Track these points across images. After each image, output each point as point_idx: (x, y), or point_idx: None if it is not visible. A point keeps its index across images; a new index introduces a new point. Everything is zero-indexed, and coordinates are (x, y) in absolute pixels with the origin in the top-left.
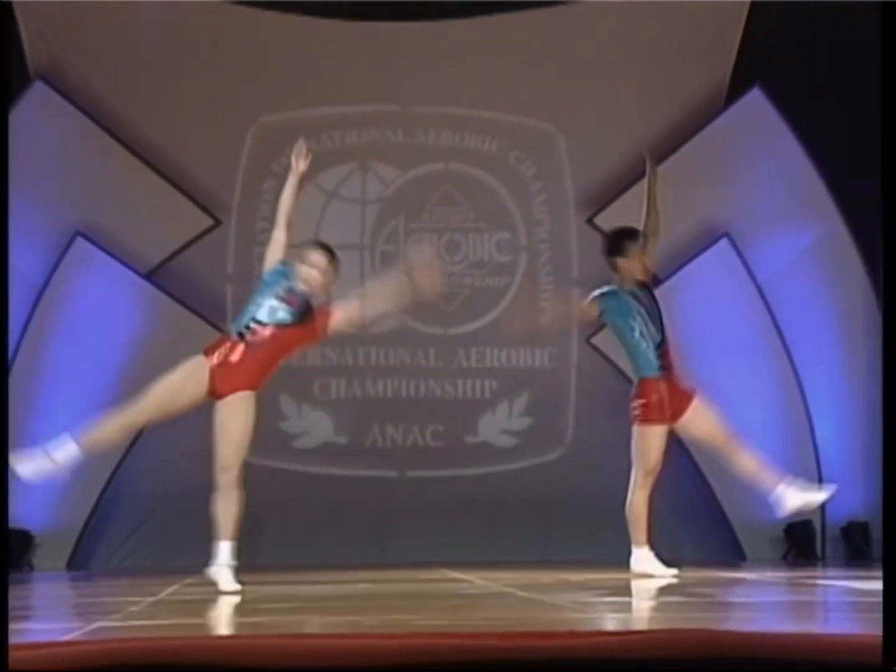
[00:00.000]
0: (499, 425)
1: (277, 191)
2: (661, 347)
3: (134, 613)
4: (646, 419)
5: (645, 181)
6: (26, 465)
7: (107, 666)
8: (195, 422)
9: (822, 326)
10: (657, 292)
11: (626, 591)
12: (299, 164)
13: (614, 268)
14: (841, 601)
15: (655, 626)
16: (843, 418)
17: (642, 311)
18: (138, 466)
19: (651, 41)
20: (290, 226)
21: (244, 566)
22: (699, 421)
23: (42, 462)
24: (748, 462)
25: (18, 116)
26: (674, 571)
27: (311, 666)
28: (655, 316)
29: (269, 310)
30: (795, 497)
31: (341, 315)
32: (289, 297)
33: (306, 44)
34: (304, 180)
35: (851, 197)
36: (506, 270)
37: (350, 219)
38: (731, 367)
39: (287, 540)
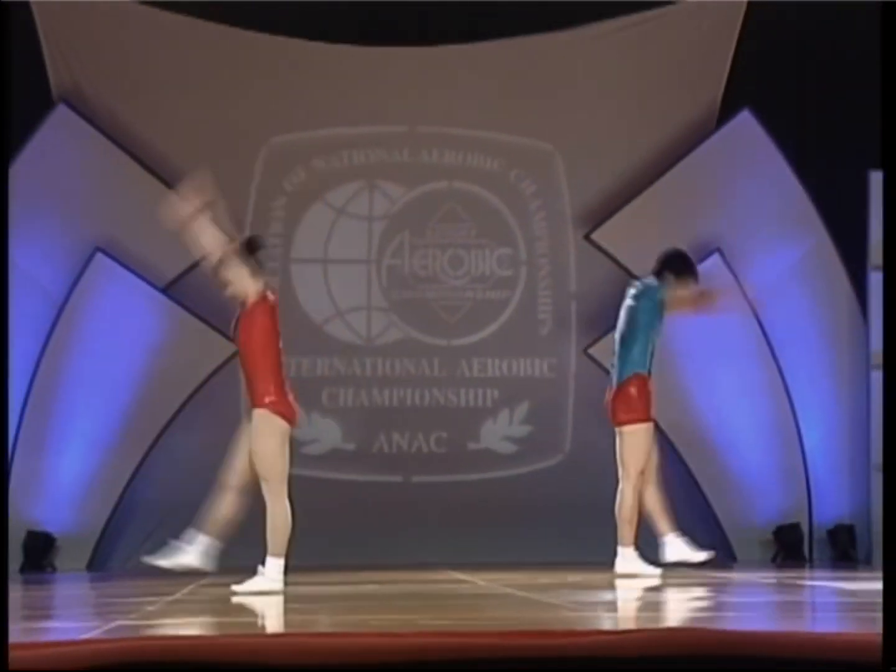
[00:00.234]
0: (500, 432)
1: (288, 209)
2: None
3: (151, 613)
4: (639, 418)
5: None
6: (165, 560)
7: (124, 663)
8: (209, 430)
9: (810, 337)
10: None
11: (623, 591)
12: (193, 203)
13: (669, 283)
14: (828, 601)
15: (651, 626)
16: (830, 426)
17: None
18: (155, 472)
19: (645, 66)
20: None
21: (254, 569)
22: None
23: (179, 555)
24: (656, 499)
25: (42, 138)
26: (659, 571)
27: (321, 663)
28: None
29: None
30: (679, 550)
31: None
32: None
33: (315, 67)
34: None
35: (837, 213)
36: (507, 284)
37: (357, 234)
38: (722, 376)
39: (296, 542)
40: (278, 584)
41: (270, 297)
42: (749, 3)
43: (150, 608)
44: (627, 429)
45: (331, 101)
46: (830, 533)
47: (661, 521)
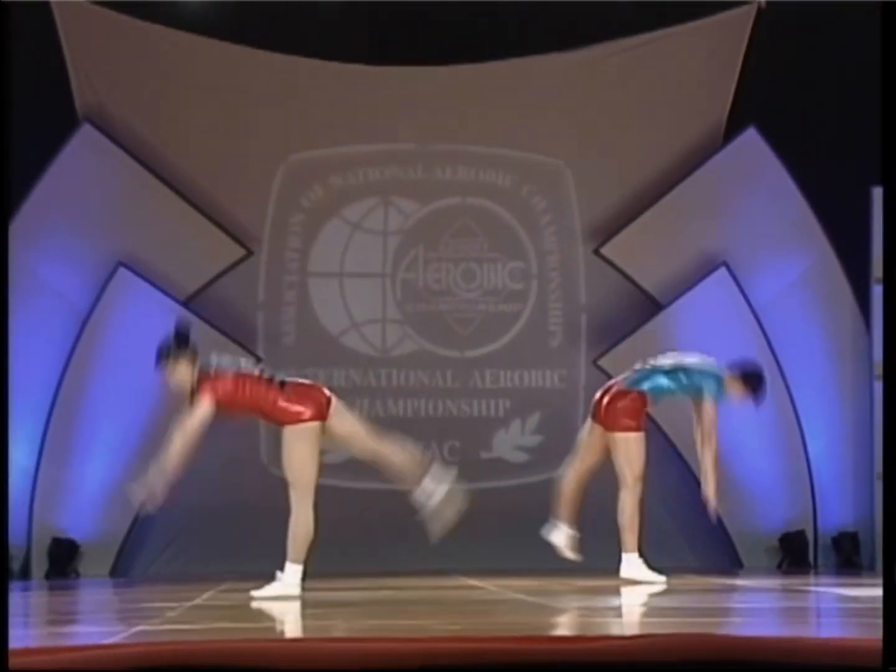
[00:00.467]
0: (512, 442)
1: (305, 224)
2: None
3: (172, 618)
4: (637, 427)
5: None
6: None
7: (146, 667)
8: (229, 439)
9: (815, 348)
10: (660, 317)
11: (631, 597)
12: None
13: (728, 377)
14: (833, 607)
15: (659, 631)
16: (834, 435)
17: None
18: (175, 481)
19: (653, 84)
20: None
21: (271, 575)
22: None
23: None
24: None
25: (67, 156)
26: (664, 578)
27: (336, 668)
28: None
29: None
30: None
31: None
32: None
33: (332, 87)
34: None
35: (840, 228)
36: (518, 297)
37: (373, 249)
38: None
39: (314, 549)
40: (295, 589)
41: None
42: (754, 24)
43: (170, 613)
44: (624, 436)
45: (347, 120)
46: (835, 540)
47: (567, 510)
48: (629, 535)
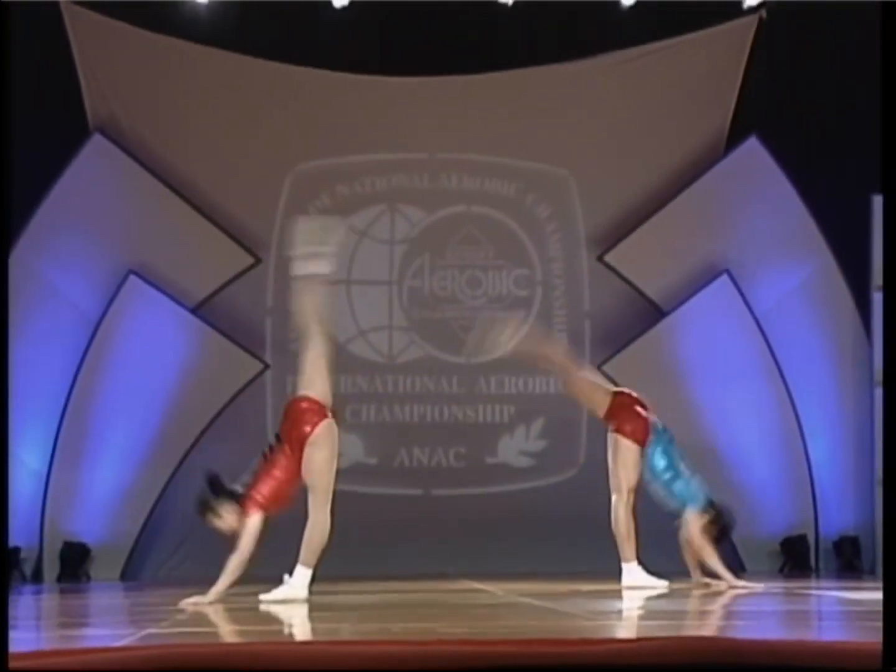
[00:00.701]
0: (517, 447)
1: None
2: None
3: (181, 621)
4: (640, 439)
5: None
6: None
7: (155, 670)
8: (238, 445)
9: (816, 355)
10: (663, 324)
11: (635, 601)
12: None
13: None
14: (834, 610)
15: (663, 634)
16: (836, 440)
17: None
18: (186, 485)
19: (656, 94)
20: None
21: (279, 579)
22: None
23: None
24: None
25: (79, 165)
26: (665, 583)
27: (343, 670)
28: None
29: None
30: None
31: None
32: None
33: (339, 97)
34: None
35: (841, 236)
36: (523, 304)
37: (380, 257)
38: (730, 392)
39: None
40: (303, 592)
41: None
42: (756, 34)
43: (180, 616)
44: (628, 444)
45: (354, 130)
46: (836, 544)
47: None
48: (627, 545)
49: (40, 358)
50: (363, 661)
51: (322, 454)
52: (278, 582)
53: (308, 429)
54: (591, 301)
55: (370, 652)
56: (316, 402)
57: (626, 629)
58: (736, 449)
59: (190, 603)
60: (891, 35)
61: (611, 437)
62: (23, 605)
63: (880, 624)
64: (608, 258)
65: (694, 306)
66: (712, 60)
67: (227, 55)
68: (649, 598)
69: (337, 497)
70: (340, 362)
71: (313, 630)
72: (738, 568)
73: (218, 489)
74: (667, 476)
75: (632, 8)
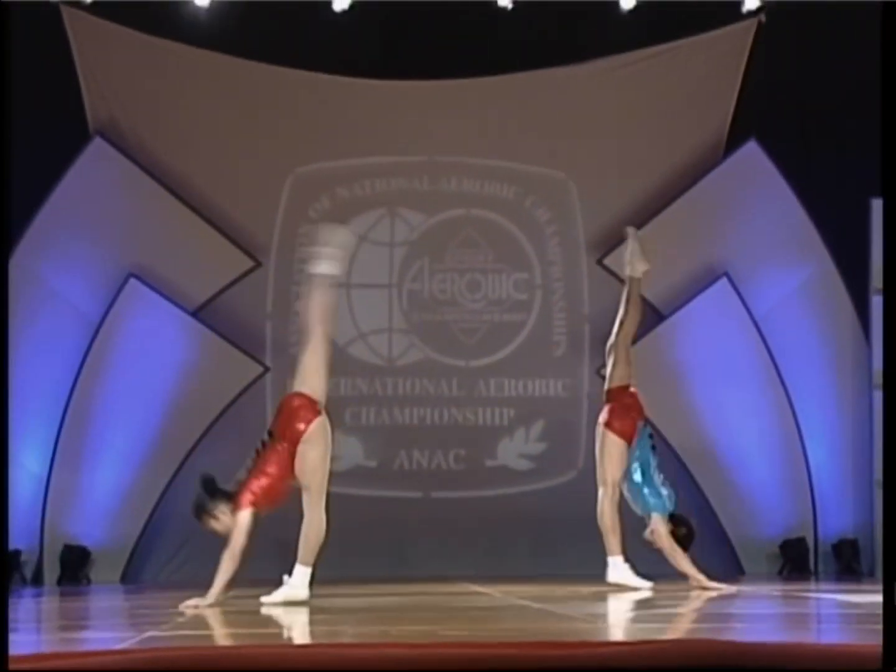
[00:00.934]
0: (516, 450)
1: (313, 235)
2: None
3: (182, 623)
4: (628, 442)
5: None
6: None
7: None
8: (238, 447)
9: (815, 358)
10: (662, 327)
11: (635, 603)
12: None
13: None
14: (833, 613)
15: (662, 637)
16: (835, 443)
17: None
18: (186, 488)
19: (656, 98)
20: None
21: (279, 581)
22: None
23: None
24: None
25: (79, 168)
26: (649, 584)
27: None
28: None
29: None
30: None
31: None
32: None
33: (339, 101)
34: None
35: (840, 239)
36: (522, 307)
37: (379, 260)
38: (729, 395)
39: (321, 555)
40: (304, 592)
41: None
42: (755, 38)
43: (180, 619)
44: (615, 439)
45: (354, 133)
46: (835, 547)
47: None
48: (612, 538)
49: (40, 361)
50: (363, 664)
51: (316, 452)
52: (279, 583)
53: (302, 426)
54: (591, 304)
55: (370, 655)
56: (308, 399)
57: (625, 632)
58: (735, 451)
59: (190, 606)
60: (891, 36)
61: (599, 429)
62: (23, 607)
63: (879, 626)
64: (607, 261)
65: (693, 309)
66: (711, 64)
67: (228, 58)
68: (649, 601)
69: (337, 499)
70: (340, 365)
71: (313, 633)
72: (736, 571)
73: (212, 491)
74: (637, 480)
75: (631, 11)
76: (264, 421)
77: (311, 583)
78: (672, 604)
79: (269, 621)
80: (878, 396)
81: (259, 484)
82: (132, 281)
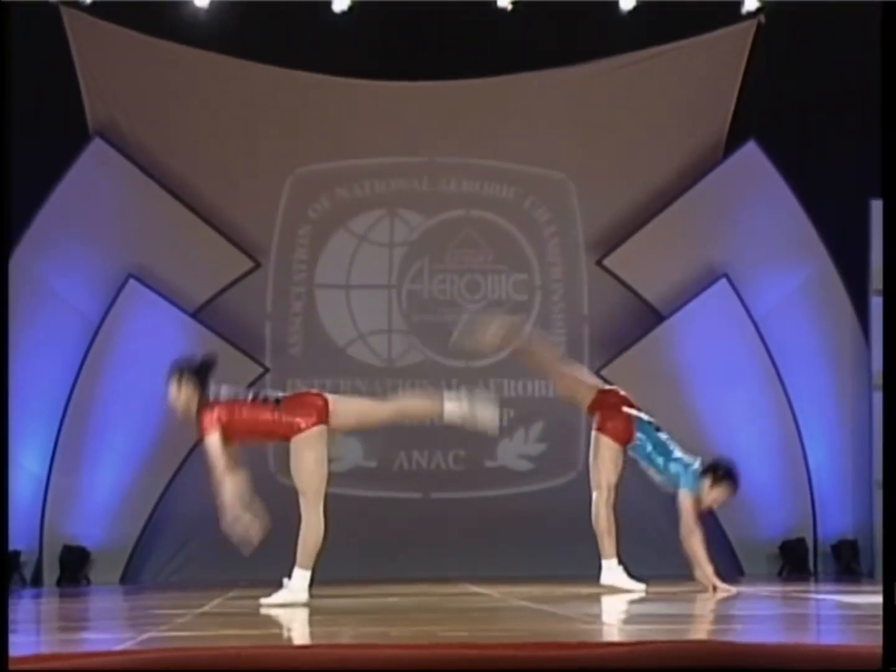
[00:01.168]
0: (516, 451)
1: (312, 236)
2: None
3: (181, 624)
4: (623, 444)
5: None
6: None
7: None
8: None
9: (814, 359)
10: (662, 328)
11: (633, 604)
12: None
13: (703, 481)
14: (832, 614)
15: (661, 637)
16: (834, 444)
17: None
18: (184, 489)
19: (655, 99)
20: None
21: (279, 582)
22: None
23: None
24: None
25: (79, 169)
26: (643, 586)
27: None
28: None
29: None
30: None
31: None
32: None
33: (339, 101)
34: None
35: (839, 240)
36: (522, 308)
37: (379, 261)
38: (729, 396)
39: (321, 556)
40: (303, 595)
41: (213, 403)
42: (754, 39)
43: (180, 620)
44: (610, 442)
45: (353, 134)
46: (834, 547)
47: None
48: (607, 541)
49: (40, 361)
50: (363, 665)
51: (312, 455)
52: (279, 585)
53: (303, 424)
54: (591, 305)
55: (370, 656)
56: (326, 405)
57: (624, 633)
58: (734, 452)
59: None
60: (891, 36)
61: (593, 434)
62: (23, 608)
63: (879, 627)
64: (607, 262)
65: (693, 310)
66: (711, 65)
67: (227, 59)
68: (648, 602)
69: (337, 500)
70: (340, 366)
71: (313, 634)
72: (736, 571)
73: (200, 370)
74: (659, 459)
75: (631, 12)
76: None
77: (311, 585)
78: (671, 605)
79: (269, 622)
80: (877, 397)
81: (229, 414)
82: (132, 281)
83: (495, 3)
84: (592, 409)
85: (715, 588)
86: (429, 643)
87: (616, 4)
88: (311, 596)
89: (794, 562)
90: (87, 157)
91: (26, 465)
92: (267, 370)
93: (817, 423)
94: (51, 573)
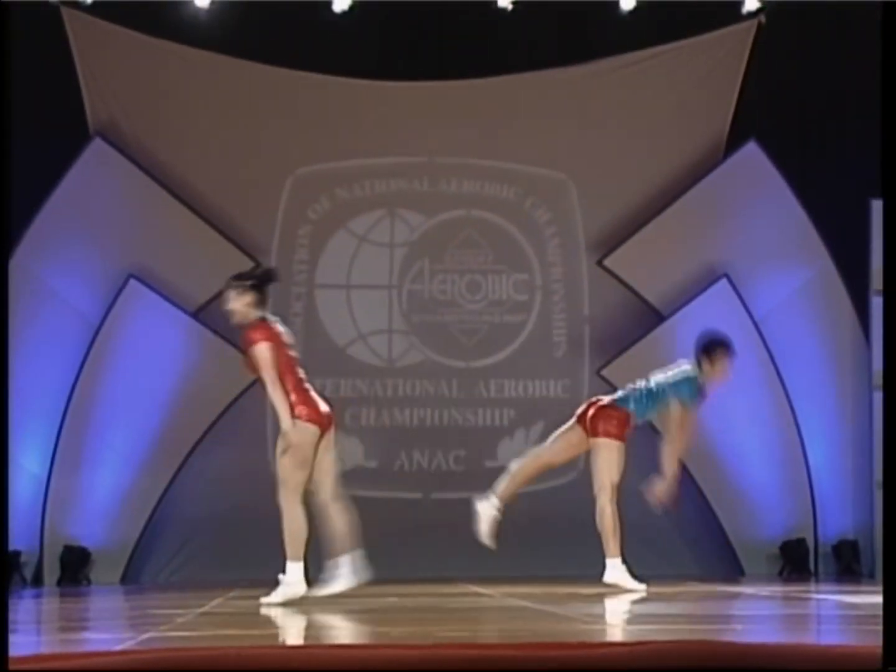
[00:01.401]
0: (516, 451)
1: (312, 236)
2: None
3: (182, 624)
4: (616, 435)
5: None
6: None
7: None
8: (238, 449)
9: (815, 359)
10: (662, 328)
11: (635, 604)
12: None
13: (699, 364)
14: (833, 614)
15: (661, 638)
16: (834, 444)
17: (695, 404)
18: (185, 489)
19: (656, 99)
20: None
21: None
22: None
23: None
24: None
25: (79, 170)
26: (643, 587)
27: None
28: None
29: None
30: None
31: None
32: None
33: (339, 102)
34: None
35: (840, 240)
36: (522, 308)
37: (379, 261)
38: (729, 397)
39: (320, 556)
40: (300, 587)
41: (271, 323)
42: (754, 39)
43: (180, 620)
44: (607, 442)
45: (353, 134)
46: (835, 548)
47: (509, 491)
48: (612, 541)
49: (40, 362)
50: (363, 665)
51: (294, 451)
52: (278, 585)
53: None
54: (591, 305)
55: (370, 656)
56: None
57: (624, 633)
58: (735, 452)
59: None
60: (891, 36)
61: (589, 443)
62: (23, 608)
63: (879, 627)
64: (607, 262)
65: (693, 310)
66: (711, 65)
67: (228, 59)
68: (649, 602)
69: None
70: (340, 366)
71: (313, 634)
72: (737, 572)
73: (266, 281)
74: (661, 400)
75: (631, 12)
76: (264, 422)
77: (312, 584)
78: (671, 605)
79: (269, 622)
80: (878, 397)
81: (278, 345)
82: (132, 281)
83: (495, 3)
84: (583, 421)
85: (667, 498)
86: (429, 643)
87: (616, 4)
88: (310, 585)
89: (794, 562)
90: (87, 157)
91: (26, 466)
92: None
93: (817, 423)
94: (51, 573)
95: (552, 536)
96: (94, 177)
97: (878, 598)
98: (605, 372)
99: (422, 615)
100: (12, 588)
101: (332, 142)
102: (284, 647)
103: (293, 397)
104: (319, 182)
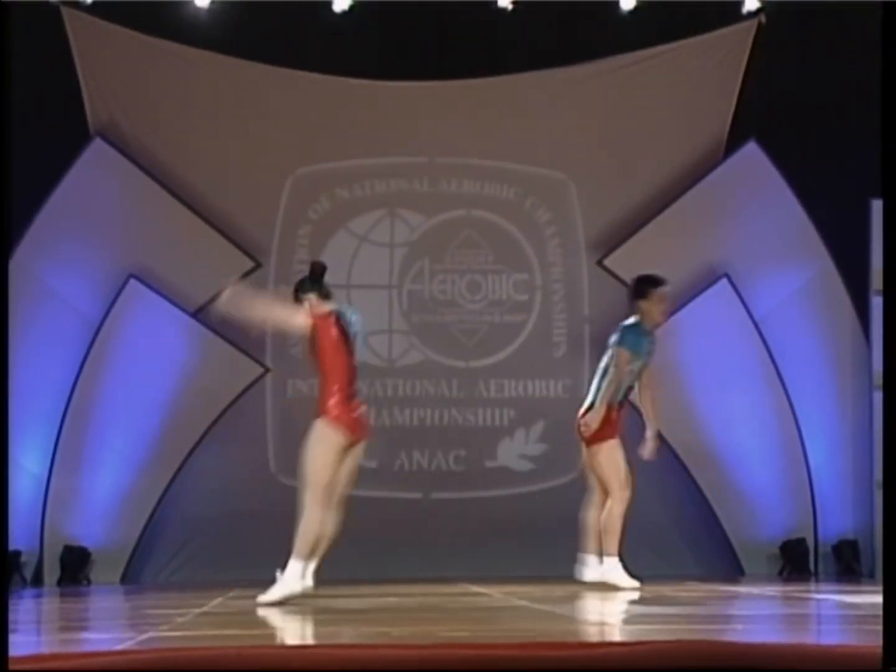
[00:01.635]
0: (516, 451)
1: (313, 236)
2: (630, 389)
3: (182, 624)
4: (612, 435)
5: None
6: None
7: None
8: (238, 449)
9: (815, 359)
10: (661, 328)
11: (633, 603)
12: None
13: (637, 310)
14: (833, 614)
15: (661, 638)
16: (835, 444)
17: (648, 353)
18: (185, 490)
19: (656, 99)
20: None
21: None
22: None
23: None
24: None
25: (79, 169)
26: (638, 584)
27: None
28: (648, 360)
29: None
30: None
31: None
32: None
33: (339, 101)
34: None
35: (840, 240)
36: (523, 308)
37: (379, 261)
38: (730, 397)
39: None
40: (297, 585)
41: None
42: (755, 39)
43: (180, 620)
44: (598, 446)
45: (354, 134)
46: (835, 548)
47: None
48: (611, 539)
49: (41, 362)
50: (363, 665)
51: (319, 451)
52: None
53: (334, 411)
54: (591, 305)
55: (370, 656)
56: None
57: (624, 633)
58: (735, 452)
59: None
60: (891, 36)
61: (584, 451)
62: (23, 608)
63: (879, 627)
64: (608, 262)
65: (693, 310)
66: (711, 65)
67: (228, 59)
68: (648, 602)
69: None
70: None
71: (314, 633)
72: (737, 572)
73: (316, 278)
74: (609, 370)
75: (631, 12)
76: (265, 422)
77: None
78: (671, 605)
79: (269, 622)
80: (878, 397)
81: (335, 336)
82: (132, 282)
83: (495, 3)
84: (585, 443)
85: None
86: (429, 643)
87: (616, 4)
88: (313, 596)
89: (794, 562)
90: (87, 157)
91: (26, 466)
92: (268, 370)
93: (817, 423)
94: (51, 573)
95: (552, 536)
96: (94, 177)
97: (878, 598)
98: None
99: (422, 615)
100: (12, 588)
101: (332, 142)
102: (284, 647)
103: (335, 397)
104: (319, 182)
